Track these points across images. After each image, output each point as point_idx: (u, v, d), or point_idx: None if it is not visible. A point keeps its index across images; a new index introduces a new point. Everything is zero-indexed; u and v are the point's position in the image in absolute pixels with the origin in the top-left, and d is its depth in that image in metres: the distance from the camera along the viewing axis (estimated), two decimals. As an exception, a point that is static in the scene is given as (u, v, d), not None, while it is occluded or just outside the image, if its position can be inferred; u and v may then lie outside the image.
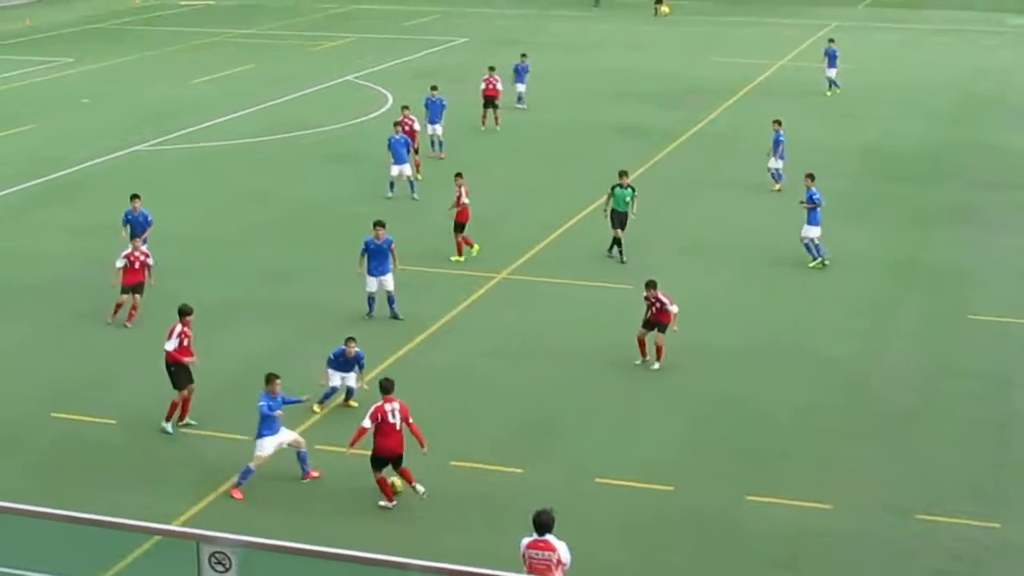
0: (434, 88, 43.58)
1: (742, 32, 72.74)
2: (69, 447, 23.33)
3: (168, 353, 23.90)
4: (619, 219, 33.46)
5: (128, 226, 30.71)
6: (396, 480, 21.49)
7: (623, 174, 33.90)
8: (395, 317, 29.15)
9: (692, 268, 32.79)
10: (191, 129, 47.15)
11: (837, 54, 54.37)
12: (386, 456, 21.28)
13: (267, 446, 21.77)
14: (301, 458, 22.25)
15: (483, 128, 47.41)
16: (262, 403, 21.66)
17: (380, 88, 55.12)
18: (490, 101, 47.59)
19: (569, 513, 18.95)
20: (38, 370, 26.62)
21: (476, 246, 33.44)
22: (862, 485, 22.00)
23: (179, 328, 23.97)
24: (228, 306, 29.97)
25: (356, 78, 57.29)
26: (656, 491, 21.84)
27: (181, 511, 20.94)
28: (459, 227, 33.31)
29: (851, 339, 28.40)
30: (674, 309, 26.63)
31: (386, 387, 21.57)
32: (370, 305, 29.27)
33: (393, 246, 29.22)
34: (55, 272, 32.24)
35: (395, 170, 38.55)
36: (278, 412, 21.76)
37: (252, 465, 21.75)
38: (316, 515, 20.96)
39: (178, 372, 23.96)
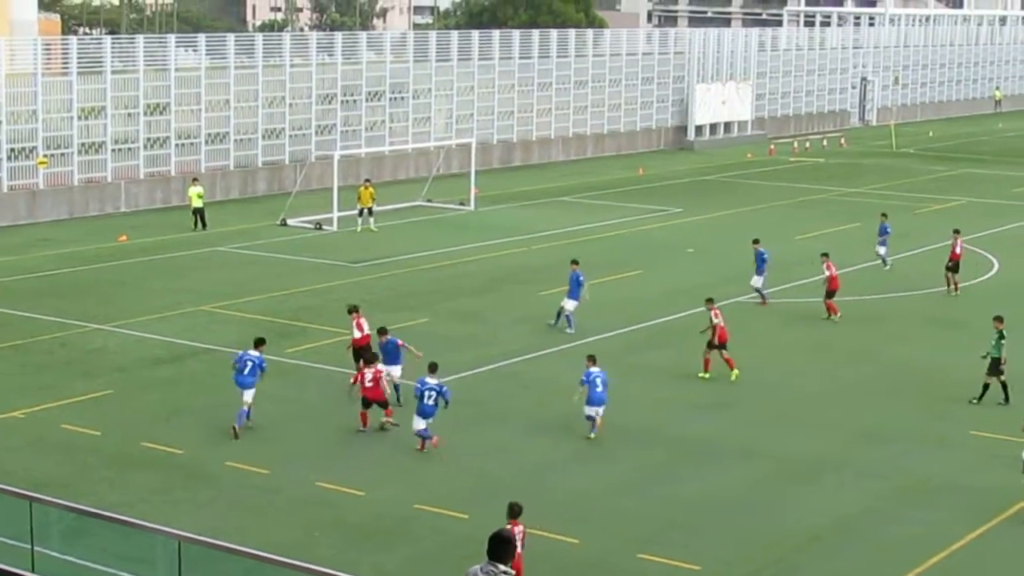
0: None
1: None
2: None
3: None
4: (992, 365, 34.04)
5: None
6: None
7: (998, 319, 34.17)
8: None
9: None
10: (793, 284, 47.59)
11: None
12: None
13: None
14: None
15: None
16: None
17: (986, 253, 53.88)
18: (955, 265, 46.96)
19: None
20: (636, 510, 27.41)
21: (736, 371, 35.67)
22: None
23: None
24: (820, 461, 29.91)
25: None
26: None
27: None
28: (719, 346, 36.10)
29: None
30: None
31: None
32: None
33: (400, 343, 32.91)
34: (651, 416, 33.22)
35: (570, 304, 40.74)
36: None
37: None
38: None
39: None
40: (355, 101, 72.74)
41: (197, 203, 57.55)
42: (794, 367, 37.75)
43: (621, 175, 77.40)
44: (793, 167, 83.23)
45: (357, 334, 34.40)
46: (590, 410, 31.26)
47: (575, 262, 41.73)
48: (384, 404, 31.32)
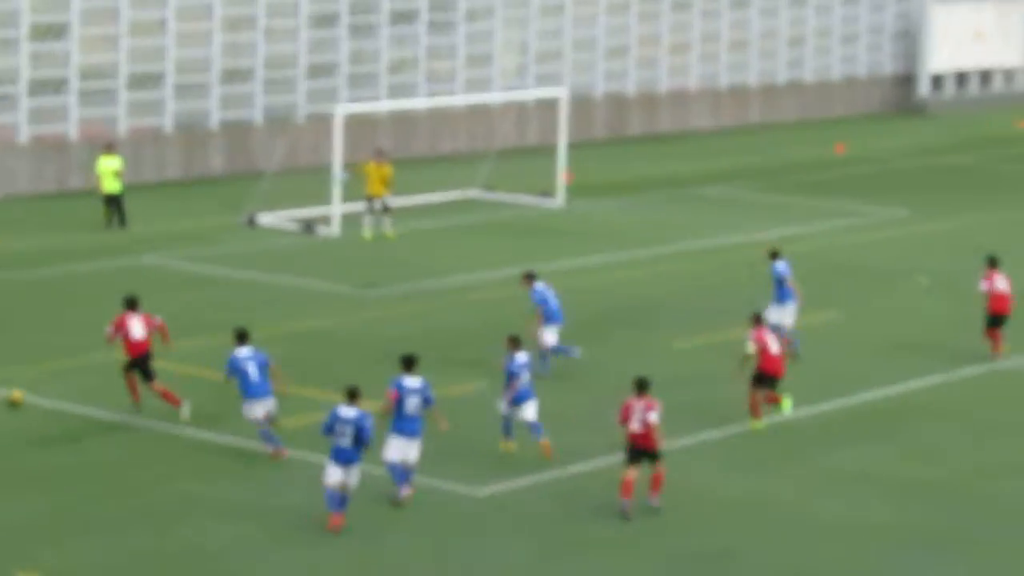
0: None
1: None
2: None
3: None
4: None
5: None
6: None
7: None
8: None
9: None
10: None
11: None
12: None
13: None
14: None
15: None
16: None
17: None
18: None
19: None
20: None
21: (787, 401, 39.92)
22: None
23: None
24: None
25: None
26: None
27: None
28: (766, 381, 39.25)
29: None
30: None
31: None
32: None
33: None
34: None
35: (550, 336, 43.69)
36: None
37: None
38: None
39: None
40: (371, 27, 73.30)
41: (112, 186, 58.08)
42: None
43: (807, 154, 77.67)
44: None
45: (136, 336, 38.27)
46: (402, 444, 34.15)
47: (531, 276, 43.37)
48: (655, 456, 33.45)
